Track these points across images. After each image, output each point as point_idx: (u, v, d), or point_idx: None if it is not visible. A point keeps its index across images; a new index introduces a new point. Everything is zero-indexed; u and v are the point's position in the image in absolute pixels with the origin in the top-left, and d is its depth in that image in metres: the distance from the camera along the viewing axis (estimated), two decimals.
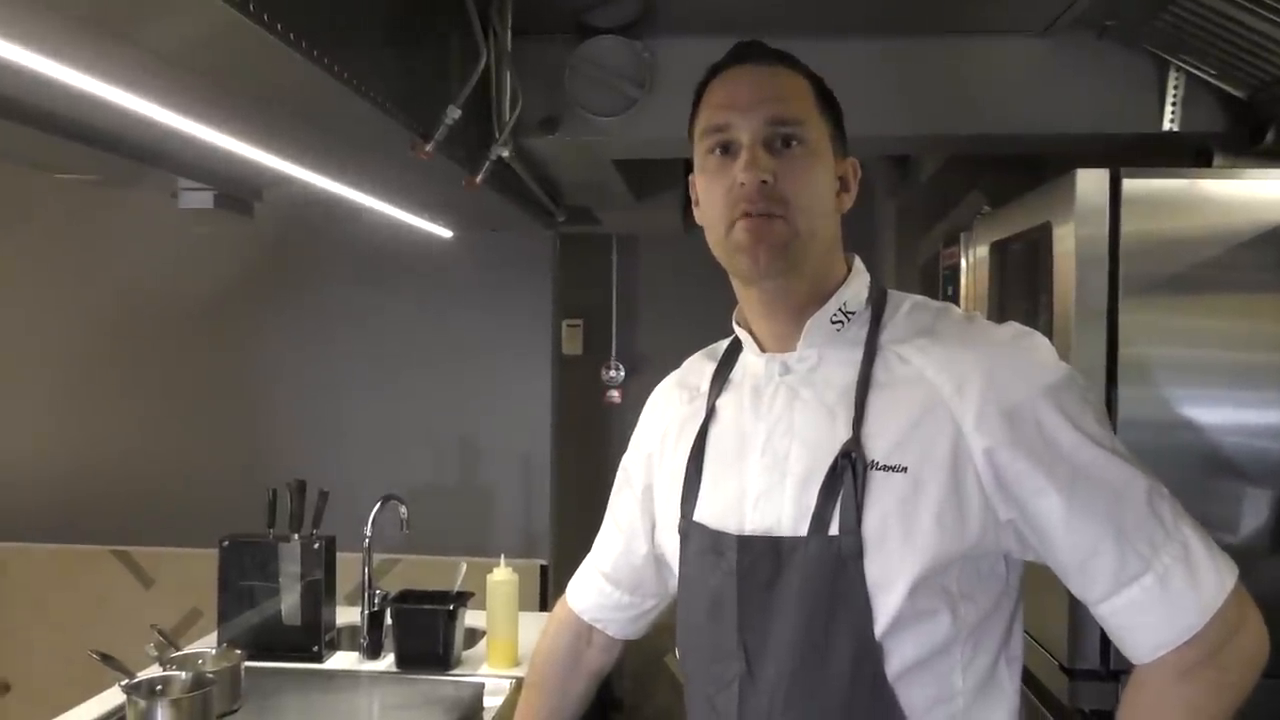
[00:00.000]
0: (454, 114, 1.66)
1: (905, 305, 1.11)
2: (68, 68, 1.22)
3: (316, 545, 2.41)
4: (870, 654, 0.99)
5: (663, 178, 3.31)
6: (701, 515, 1.11)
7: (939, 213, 3.02)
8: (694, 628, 1.12)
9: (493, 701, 2.18)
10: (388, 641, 2.42)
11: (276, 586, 2.41)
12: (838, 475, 1.00)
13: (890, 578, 0.98)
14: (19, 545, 3.81)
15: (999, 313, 2.12)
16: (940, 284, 2.45)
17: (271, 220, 3.50)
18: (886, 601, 0.98)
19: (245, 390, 3.74)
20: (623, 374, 4.38)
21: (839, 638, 1.00)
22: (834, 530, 1.00)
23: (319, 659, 2.39)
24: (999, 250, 2.14)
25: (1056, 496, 0.98)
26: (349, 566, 2.58)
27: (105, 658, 1.94)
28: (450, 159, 1.80)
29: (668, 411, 1.25)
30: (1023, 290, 2.04)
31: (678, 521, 1.14)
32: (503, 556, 2.42)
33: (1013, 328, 1.08)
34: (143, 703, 1.86)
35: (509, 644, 2.34)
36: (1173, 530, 0.99)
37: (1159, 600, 0.97)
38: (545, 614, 3.12)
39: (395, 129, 1.58)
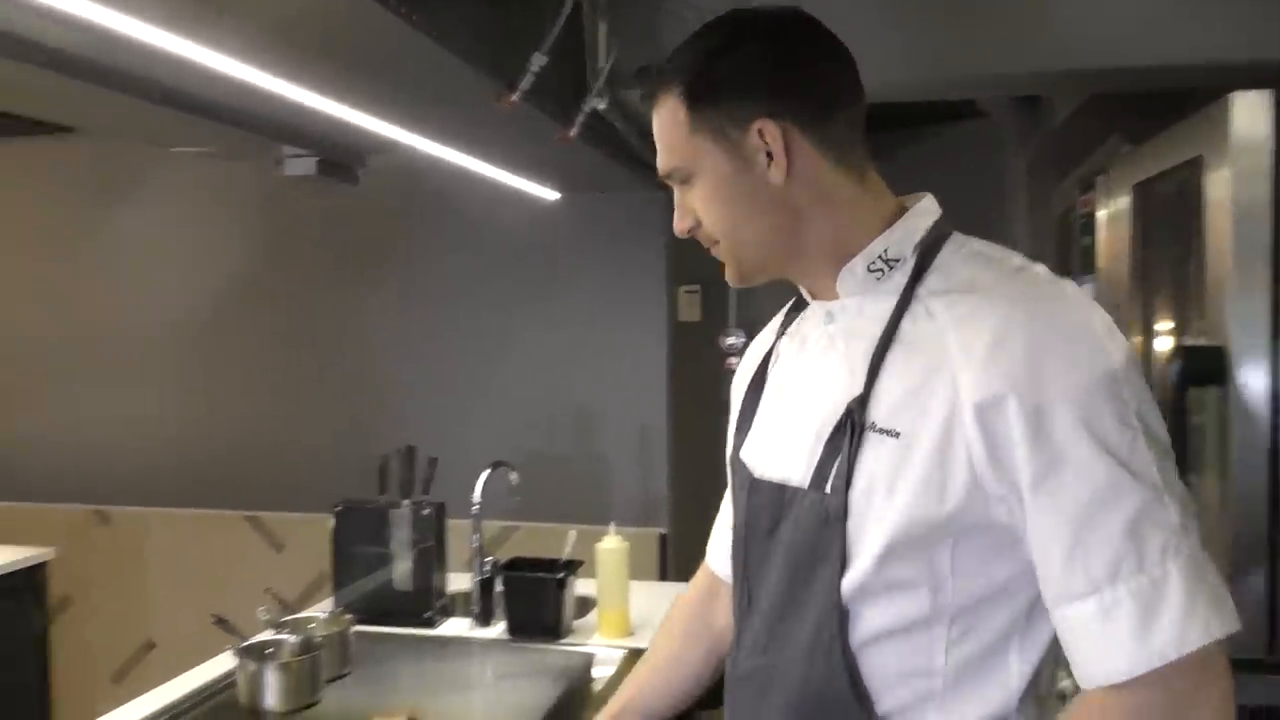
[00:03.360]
0: (539, 61, 1.58)
1: (962, 252, 1.01)
2: (176, 37, 1.28)
3: (426, 511, 2.40)
4: (832, 615, 0.98)
5: None
6: (745, 451, 1.13)
7: (1074, 160, 2.80)
8: (733, 549, 1.16)
9: (603, 672, 2.14)
10: (498, 609, 2.40)
11: (388, 552, 2.42)
12: (840, 433, 0.98)
13: (865, 542, 0.96)
14: (162, 510, 3.97)
15: (1141, 270, 1.90)
16: (1075, 237, 2.25)
17: (379, 188, 3.52)
18: (858, 565, 0.96)
19: (359, 358, 3.79)
20: (742, 340, 4.26)
21: (813, 594, 0.99)
22: (828, 488, 0.98)
23: (430, 625, 2.39)
24: (1142, 194, 1.93)
25: (1028, 479, 0.89)
26: (461, 533, 2.57)
27: (220, 621, 1.97)
28: (540, 110, 1.74)
29: (752, 352, 1.26)
30: (1171, 241, 1.83)
31: (730, 453, 1.18)
32: (612, 524, 2.37)
33: (1065, 298, 0.95)
34: (252, 666, 1.88)
35: (619, 614, 2.29)
36: (1152, 564, 0.86)
37: (1095, 632, 0.88)
38: (663, 584, 3.11)
39: (481, 80, 1.52)
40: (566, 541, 2.35)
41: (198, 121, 1.88)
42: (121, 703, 1.94)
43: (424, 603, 2.40)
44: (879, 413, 0.96)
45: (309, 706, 1.89)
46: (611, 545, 2.32)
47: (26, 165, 4.01)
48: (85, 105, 1.81)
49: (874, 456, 0.95)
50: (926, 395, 0.93)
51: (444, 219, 3.62)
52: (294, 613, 2.21)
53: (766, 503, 1.05)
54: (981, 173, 3.88)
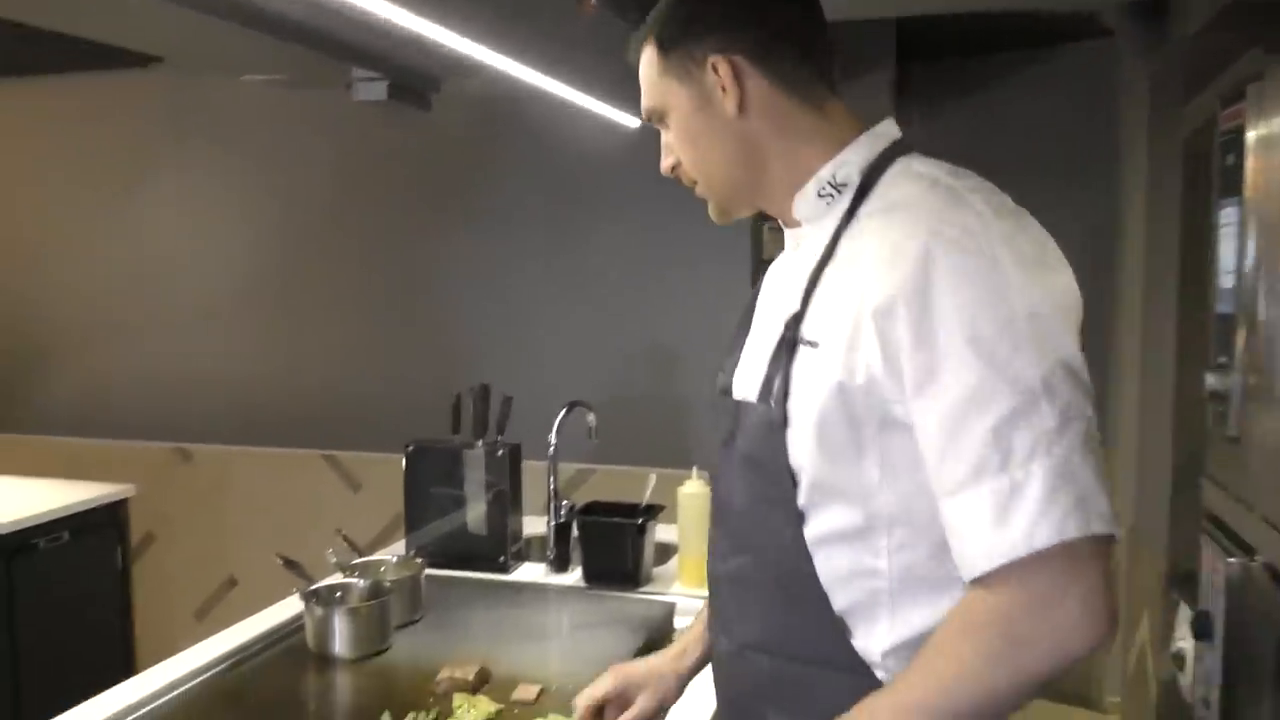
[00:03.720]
0: None
1: (905, 172, 1.04)
2: None
3: (500, 452, 2.30)
4: (790, 518, 1.03)
5: (869, 52, 2.96)
6: (726, 376, 1.17)
7: (1205, 77, 2.54)
8: None
9: (684, 622, 2.02)
10: (575, 555, 2.30)
11: (462, 494, 2.33)
12: (780, 349, 1.04)
13: (803, 449, 1.01)
14: (242, 448, 3.97)
15: None
16: (1215, 159, 2.02)
17: (453, 117, 3.42)
18: (801, 472, 1.02)
19: (435, 294, 3.71)
20: None
21: (770, 500, 1.05)
22: (771, 400, 1.04)
23: (504, 570, 2.31)
24: None
25: (912, 382, 0.93)
26: (537, 476, 2.47)
27: (289, 563, 1.90)
28: (622, 19, 1.59)
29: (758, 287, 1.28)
30: None
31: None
32: (695, 468, 2.24)
33: (971, 208, 0.96)
34: (320, 610, 1.80)
35: (701, 561, 2.17)
36: (1016, 465, 0.88)
37: (959, 530, 0.92)
38: None
39: None
40: (646, 485, 2.23)
41: (271, 43, 1.80)
42: (204, 639, 1.91)
43: (498, 547, 2.31)
44: (808, 326, 1.02)
45: (378, 654, 1.81)
46: (693, 490, 2.19)
47: (103, 100, 3.98)
48: (165, 29, 1.74)
49: (802, 368, 1.01)
50: (841, 305, 0.99)
51: (520, 148, 3.49)
52: (367, 555, 2.14)
53: (726, 416, 1.12)
54: (1095, 94, 3.61)
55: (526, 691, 1.62)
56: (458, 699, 1.59)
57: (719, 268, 3.34)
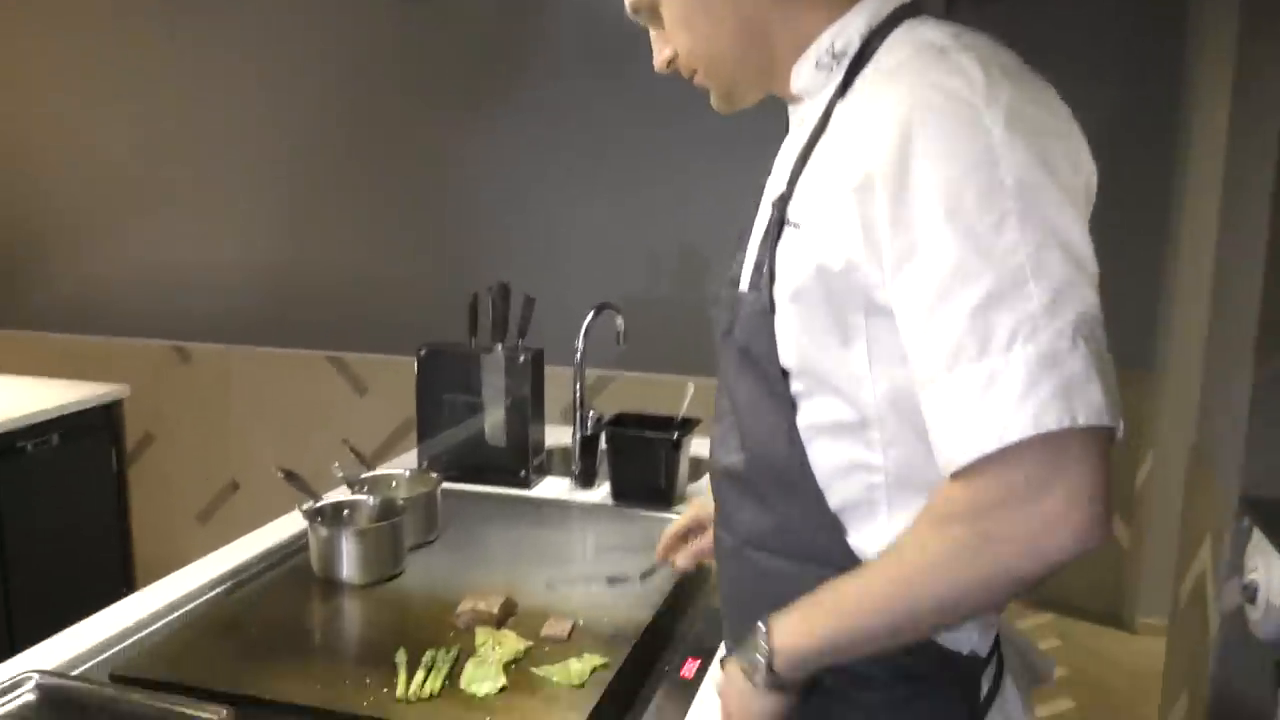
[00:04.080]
0: None
1: (908, 36, 0.93)
2: None
3: (521, 358, 2.10)
4: (783, 410, 0.98)
5: None
6: (735, 265, 1.09)
7: None
8: None
9: None
10: (602, 470, 2.12)
11: (479, 402, 2.14)
12: (768, 233, 0.99)
13: (788, 337, 0.96)
14: (243, 347, 3.79)
15: None
16: None
17: (472, 3, 3.15)
18: (790, 361, 0.97)
19: (452, 189, 3.48)
20: None
21: (765, 392, 1.00)
22: (760, 287, 0.98)
23: (526, 485, 2.13)
24: None
25: (891, 262, 0.85)
26: (559, 383, 2.28)
27: (290, 476, 1.71)
28: None
29: None
30: None
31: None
32: None
33: (957, 69, 0.85)
34: (325, 532, 1.62)
35: None
36: (996, 350, 0.80)
37: (936, 421, 0.84)
38: None
39: None
40: (684, 396, 2.04)
41: None
42: (208, 543, 1.78)
43: (518, 460, 2.13)
44: (793, 207, 0.96)
45: (390, 579, 1.64)
46: None
47: None
48: None
49: (785, 250, 0.96)
50: (824, 184, 0.92)
51: (546, 37, 3.22)
52: (373, 465, 1.96)
53: (723, 307, 1.06)
54: None
55: (558, 626, 1.45)
56: (481, 634, 1.42)
57: (752, 167, 3.09)
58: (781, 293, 0.95)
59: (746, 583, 1.05)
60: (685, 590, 1.63)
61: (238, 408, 3.83)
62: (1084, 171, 0.86)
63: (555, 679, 1.32)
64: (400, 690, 1.28)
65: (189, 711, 1.22)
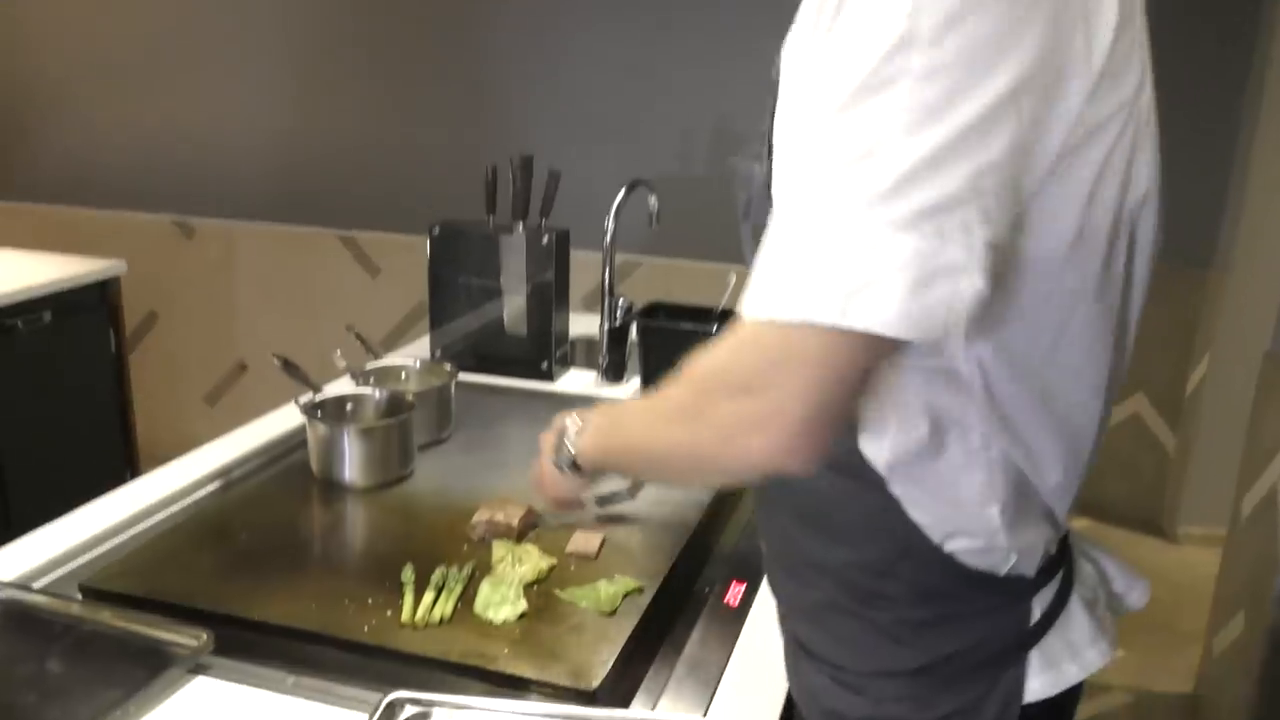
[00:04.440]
0: None
1: None
2: None
3: (545, 239, 1.90)
4: None
5: None
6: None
7: None
8: None
9: None
10: (631, 363, 1.94)
11: (497, 287, 1.94)
12: (772, 93, 0.86)
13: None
14: (249, 224, 3.60)
15: None
16: None
17: None
18: None
19: (471, 56, 3.22)
20: None
21: None
22: (763, 157, 0.84)
23: (548, 378, 1.95)
24: None
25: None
26: (584, 268, 2.08)
27: (288, 365, 1.53)
28: None
29: None
30: None
31: None
32: None
33: None
34: (324, 429, 1.45)
35: None
36: (821, 215, 0.67)
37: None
38: None
39: None
40: (726, 285, 1.83)
41: None
42: (217, 426, 1.65)
43: (540, 350, 1.95)
44: (782, 59, 0.83)
45: (398, 482, 1.47)
46: None
47: None
48: None
49: (778, 108, 0.82)
50: (793, 37, 0.79)
51: None
52: (383, 354, 1.78)
53: (739, 185, 0.96)
54: None
55: (586, 542, 1.28)
56: (498, 548, 1.26)
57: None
58: (777, 162, 0.82)
59: (770, 492, 0.94)
60: (725, 502, 1.46)
61: (243, 287, 3.66)
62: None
63: (583, 604, 1.16)
64: (406, 614, 1.12)
65: (163, 635, 1.06)
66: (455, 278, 1.96)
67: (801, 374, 0.70)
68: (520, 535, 1.30)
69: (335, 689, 1.01)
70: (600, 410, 1.02)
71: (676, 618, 1.19)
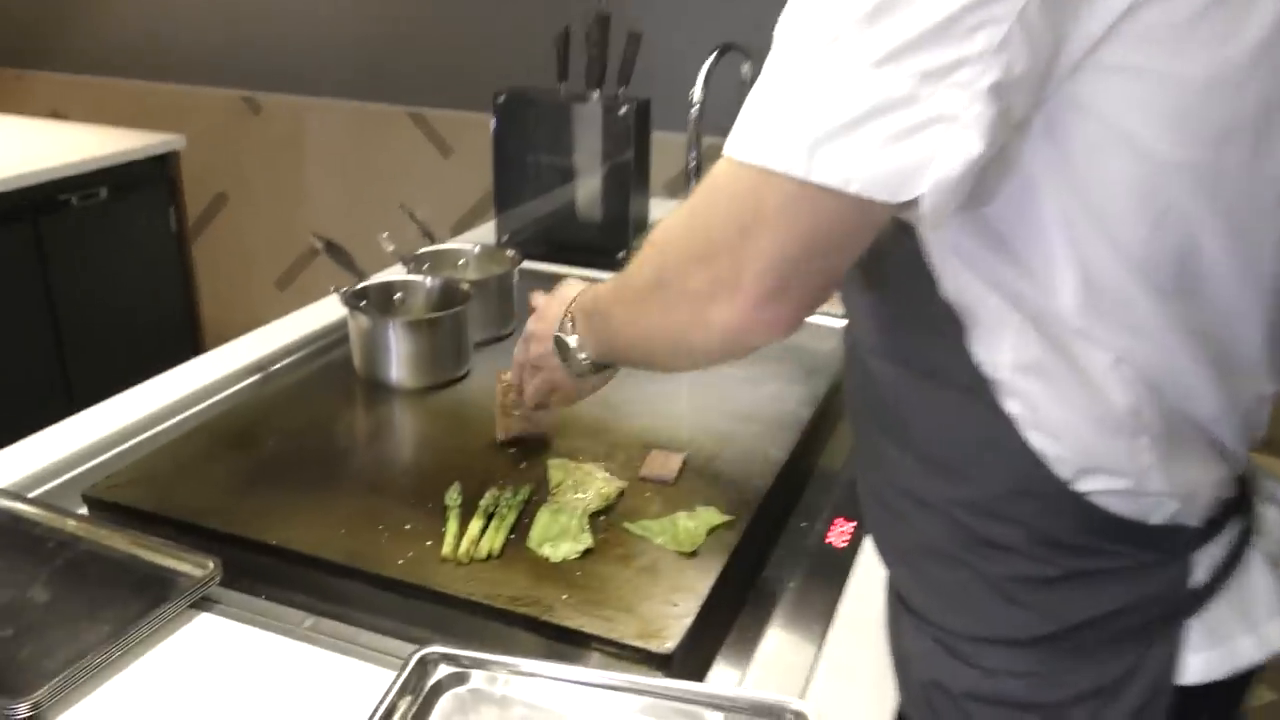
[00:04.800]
0: None
1: None
2: None
3: (624, 109, 1.67)
4: None
5: None
6: None
7: None
8: None
9: None
10: None
11: (569, 165, 1.73)
12: None
13: None
14: (318, 99, 3.40)
15: None
16: None
17: None
18: None
19: None
20: None
21: None
22: None
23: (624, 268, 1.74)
24: None
25: None
26: (666, 151, 1.85)
27: (330, 247, 1.35)
28: None
29: None
30: None
31: None
32: None
33: None
34: (366, 320, 1.26)
35: None
36: (807, 45, 0.56)
37: None
38: None
39: None
40: None
41: None
42: (288, 310, 1.51)
43: (617, 238, 1.73)
44: None
45: (449, 384, 1.29)
46: None
47: None
48: None
49: None
50: None
51: None
52: (441, 240, 1.59)
53: None
54: None
55: (664, 463, 1.09)
56: (557, 468, 1.07)
57: None
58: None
59: (858, 391, 0.80)
60: (828, 416, 1.25)
61: (312, 166, 3.49)
62: None
63: (658, 540, 0.97)
64: (449, 546, 0.94)
65: (165, 561, 0.91)
66: (524, 154, 1.75)
67: (763, 235, 0.60)
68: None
69: (359, 637, 0.85)
70: (578, 305, 0.91)
71: (769, 560, 1.00)
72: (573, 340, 0.90)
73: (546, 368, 0.98)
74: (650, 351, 0.79)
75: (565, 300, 0.93)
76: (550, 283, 1.65)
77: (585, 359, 0.90)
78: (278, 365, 1.35)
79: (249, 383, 1.31)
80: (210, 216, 3.63)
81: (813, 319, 0.65)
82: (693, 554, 0.95)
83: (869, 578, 0.93)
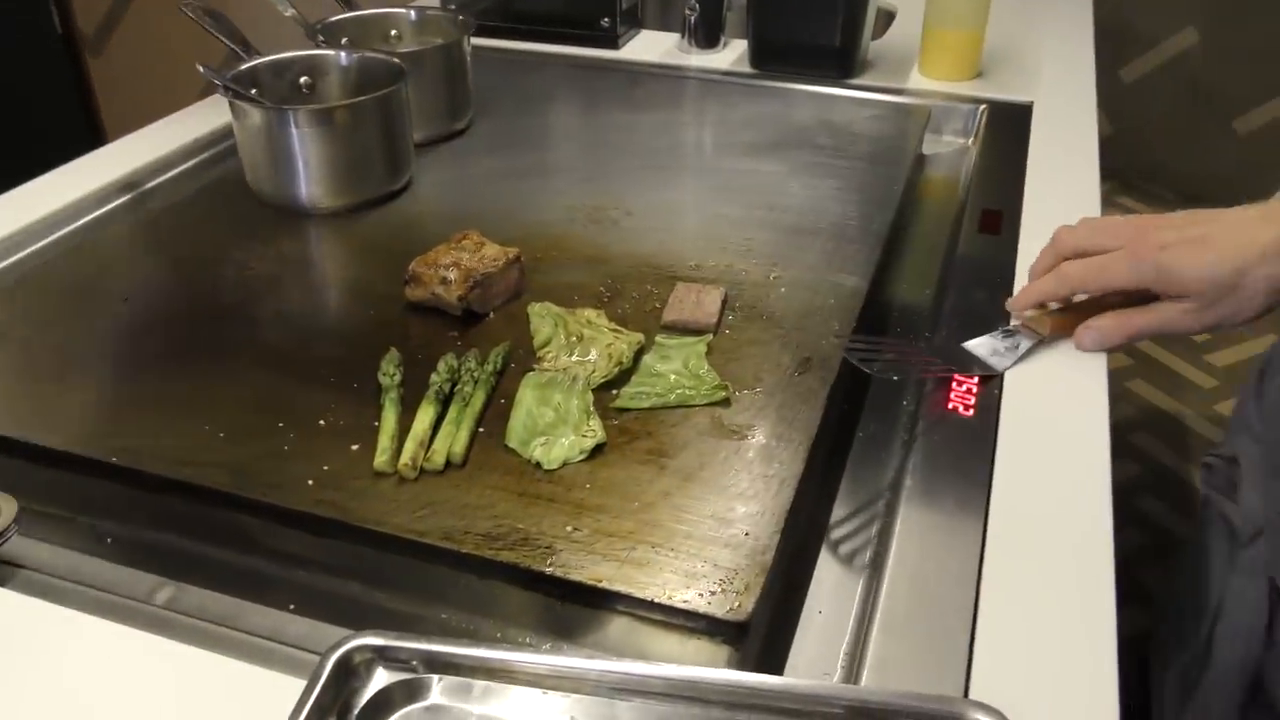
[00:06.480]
0: None
1: None
2: None
3: None
4: None
5: None
6: None
7: None
8: None
9: (939, 148, 1.12)
10: (732, 18, 1.33)
11: None
12: None
13: None
14: None
15: None
16: None
17: None
18: None
19: None
20: None
21: None
22: None
23: (610, 44, 1.34)
24: None
25: None
26: None
27: (211, 14, 0.96)
28: None
29: None
30: None
31: None
32: None
33: None
34: (258, 116, 0.88)
35: (966, 37, 1.19)
36: None
37: None
38: None
39: None
40: None
41: None
42: None
43: (600, 2, 1.33)
44: None
45: (382, 201, 0.93)
46: None
47: None
48: None
49: None
50: None
51: None
52: (368, 2, 1.19)
53: None
54: None
55: (696, 303, 0.75)
56: (541, 316, 0.74)
57: None
58: None
59: None
60: (905, 226, 0.91)
61: None
62: None
63: (676, 394, 0.65)
64: (383, 451, 0.61)
65: None
66: None
67: None
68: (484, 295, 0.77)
69: (243, 618, 0.53)
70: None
71: (852, 433, 0.67)
72: None
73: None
74: None
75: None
76: (518, 63, 1.28)
77: None
78: (147, 187, 0.98)
79: (103, 214, 0.94)
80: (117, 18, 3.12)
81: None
82: (741, 436, 0.62)
83: (1024, 470, 0.61)
